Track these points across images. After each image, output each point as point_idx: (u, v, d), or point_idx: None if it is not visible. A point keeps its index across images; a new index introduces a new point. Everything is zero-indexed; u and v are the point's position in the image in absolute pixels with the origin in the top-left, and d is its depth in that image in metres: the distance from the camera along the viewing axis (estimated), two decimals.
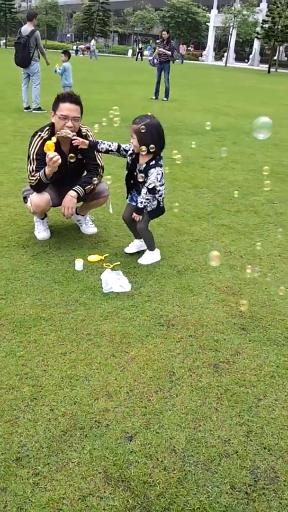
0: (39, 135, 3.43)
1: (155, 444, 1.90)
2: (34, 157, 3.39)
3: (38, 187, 3.40)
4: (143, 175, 3.20)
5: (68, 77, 10.30)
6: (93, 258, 3.44)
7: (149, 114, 3.25)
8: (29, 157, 3.44)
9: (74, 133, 3.32)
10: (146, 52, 53.48)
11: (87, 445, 1.87)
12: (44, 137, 3.39)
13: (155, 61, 13.08)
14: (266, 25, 44.19)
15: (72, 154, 3.35)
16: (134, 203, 3.46)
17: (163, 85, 13.41)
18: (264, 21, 44.99)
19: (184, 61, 48.86)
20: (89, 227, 3.90)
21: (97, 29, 62.37)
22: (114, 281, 3.06)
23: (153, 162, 3.25)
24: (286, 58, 61.82)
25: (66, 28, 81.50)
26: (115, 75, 22.32)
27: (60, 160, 3.19)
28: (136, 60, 43.40)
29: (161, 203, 3.41)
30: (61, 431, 1.94)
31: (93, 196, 3.62)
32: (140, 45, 47.37)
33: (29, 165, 3.42)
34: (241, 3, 53.31)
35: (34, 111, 9.61)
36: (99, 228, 3.96)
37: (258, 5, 54.36)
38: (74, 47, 48.86)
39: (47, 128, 3.46)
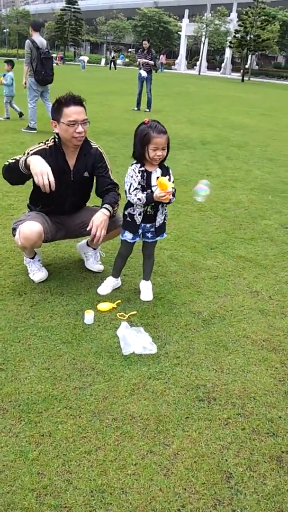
0: (43, 142, 2.97)
1: None
2: (29, 153, 2.89)
3: (8, 171, 2.90)
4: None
5: (12, 87, 9.80)
6: (104, 306, 2.94)
7: (147, 120, 2.74)
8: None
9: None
10: (119, 61, 53.34)
11: None
12: (49, 144, 2.94)
13: (143, 74, 12.59)
14: (239, 35, 44.57)
15: None
16: (138, 239, 2.99)
17: (144, 96, 13.02)
18: (237, 31, 45.42)
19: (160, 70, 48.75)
20: (95, 263, 3.40)
21: (69, 38, 61.88)
22: (135, 340, 2.56)
23: (163, 164, 2.85)
24: (257, 67, 62.66)
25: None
26: (91, 85, 21.84)
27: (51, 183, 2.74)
28: (110, 69, 43.03)
29: (166, 217, 3.03)
30: None
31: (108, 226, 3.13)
32: (113, 54, 47.01)
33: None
34: (213, 13, 53.76)
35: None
36: (104, 265, 3.45)
37: (229, 15, 54.99)
38: None
39: (52, 137, 2.98)
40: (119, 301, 3.02)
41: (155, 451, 1.91)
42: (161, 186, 2.64)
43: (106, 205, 2.91)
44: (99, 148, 3.09)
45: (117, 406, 2.13)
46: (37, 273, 3.21)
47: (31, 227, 2.93)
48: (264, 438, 2.03)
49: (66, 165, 2.98)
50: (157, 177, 2.73)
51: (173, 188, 2.70)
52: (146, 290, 3.10)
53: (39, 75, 8.19)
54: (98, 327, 2.74)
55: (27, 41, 8.25)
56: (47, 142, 2.96)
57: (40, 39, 8.28)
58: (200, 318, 2.92)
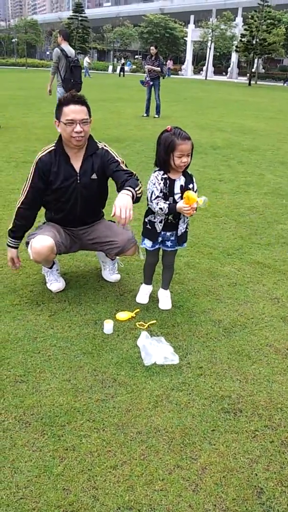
0: (38, 155, 2.92)
1: None
2: (29, 183, 2.92)
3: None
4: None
5: None
6: (123, 316, 2.90)
7: (170, 127, 2.67)
8: (27, 180, 2.94)
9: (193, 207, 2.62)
10: (126, 68, 53.52)
11: None
12: (49, 150, 2.90)
13: (149, 81, 12.64)
14: (245, 39, 44.59)
15: None
16: (158, 246, 2.94)
17: (153, 102, 13.03)
18: (242, 35, 45.44)
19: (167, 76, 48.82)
20: (112, 274, 3.36)
21: (77, 46, 62.31)
22: (156, 350, 2.52)
23: (187, 172, 2.76)
24: (263, 70, 62.57)
25: (45, 45, 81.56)
26: (100, 92, 21.94)
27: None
28: (119, 76, 43.18)
29: (188, 226, 2.96)
30: None
31: (120, 249, 3.10)
32: (122, 61, 47.22)
33: (22, 190, 2.96)
34: (218, 18, 53.84)
35: None
36: (121, 273, 3.42)
37: (234, 20, 55.02)
38: None
39: (52, 145, 2.93)
40: (138, 310, 2.98)
41: (182, 465, 1.86)
42: (187, 200, 2.57)
43: (126, 188, 2.71)
44: (104, 147, 3.00)
45: (141, 419, 2.09)
46: (54, 283, 3.19)
47: (42, 242, 2.90)
48: None
49: (71, 168, 2.90)
50: (181, 185, 2.69)
51: (197, 204, 2.59)
52: (165, 299, 3.06)
53: (68, 83, 8.11)
54: (118, 337, 2.70)
55: (56, 49, 8.16)
56: (40, 154, 2.91)
57: (68, 48, 8.24)
58: (221, 326, 2.87)
